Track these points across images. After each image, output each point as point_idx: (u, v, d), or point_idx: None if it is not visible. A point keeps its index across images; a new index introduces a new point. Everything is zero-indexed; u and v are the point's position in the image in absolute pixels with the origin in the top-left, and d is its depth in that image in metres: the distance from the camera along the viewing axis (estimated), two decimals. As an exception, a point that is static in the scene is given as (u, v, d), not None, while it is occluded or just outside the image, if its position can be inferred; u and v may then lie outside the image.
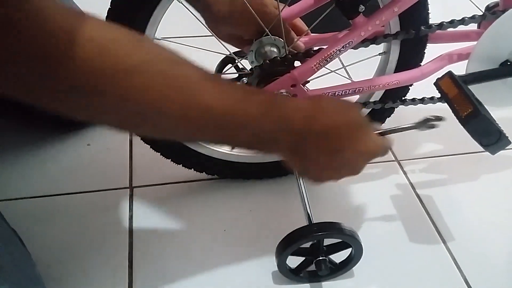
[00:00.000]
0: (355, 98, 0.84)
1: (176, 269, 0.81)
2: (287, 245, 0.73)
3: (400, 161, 1.03)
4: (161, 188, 0.94)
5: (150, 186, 0.94)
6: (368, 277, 0.82)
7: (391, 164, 1.03)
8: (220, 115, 0.49)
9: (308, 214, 0.76)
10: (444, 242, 0.88)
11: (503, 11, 0.72)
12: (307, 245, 0.76)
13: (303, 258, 0.78)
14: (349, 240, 0.75)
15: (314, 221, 0.76)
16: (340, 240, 0.76)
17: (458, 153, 1.06)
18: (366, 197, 0.95)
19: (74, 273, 0.78)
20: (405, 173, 1.01)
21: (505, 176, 1.02)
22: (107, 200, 0.89)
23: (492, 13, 0.73)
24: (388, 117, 0.90)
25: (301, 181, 0.79)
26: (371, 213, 0.92)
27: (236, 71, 0.98)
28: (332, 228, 0.74)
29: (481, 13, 0.75)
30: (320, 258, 0.75)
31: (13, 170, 0.94)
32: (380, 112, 0.87)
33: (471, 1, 1.54)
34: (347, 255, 0.79)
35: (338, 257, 0.79)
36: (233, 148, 0.89)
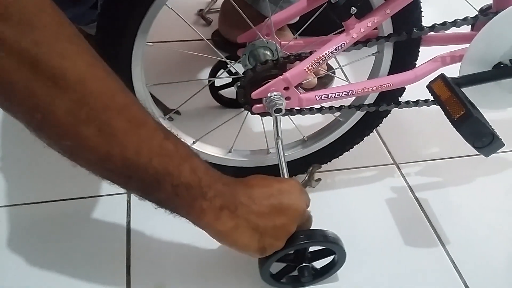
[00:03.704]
0: (350, 100, 0.84)
1: (174, 275, 0.81)
2: (269, 256, 0.71)
3: (398, 164, 1.03)
4: (158, 193, 0.94)
5: (147, 191, 0.94)
6: (366, 281, 0.81)
7: (389, 167, 1.02)
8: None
9: None
10: (442, 245, 0.88)
11: (496, 13, 0.71)
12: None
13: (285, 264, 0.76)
14: (333, 247, 0.74)
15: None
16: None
17: (456, 156, 1.05)
18: (364, 200, 0.95)
19: (71, 279, 0.78)
20: (403, 176, 1.01)
21: (503, 178, 1.01)
22: (105, 206, 0.89)
23: (484, 15, 0.73)
24: (385, 117, 0.90)
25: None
26: (369, 216, 0.92)
27: (228, 75, 0.98)
28: (314, 236, 0.72)
29: (474, 15, 0.74)
30: (304, 264, 0.74)
31: (10, 176, 0.94)
32: (376, 113, 0.86)
33: (468, 2, 1.54)
34: (330, 260, 0.78)
35: (321, 262, 0.78)
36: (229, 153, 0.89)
